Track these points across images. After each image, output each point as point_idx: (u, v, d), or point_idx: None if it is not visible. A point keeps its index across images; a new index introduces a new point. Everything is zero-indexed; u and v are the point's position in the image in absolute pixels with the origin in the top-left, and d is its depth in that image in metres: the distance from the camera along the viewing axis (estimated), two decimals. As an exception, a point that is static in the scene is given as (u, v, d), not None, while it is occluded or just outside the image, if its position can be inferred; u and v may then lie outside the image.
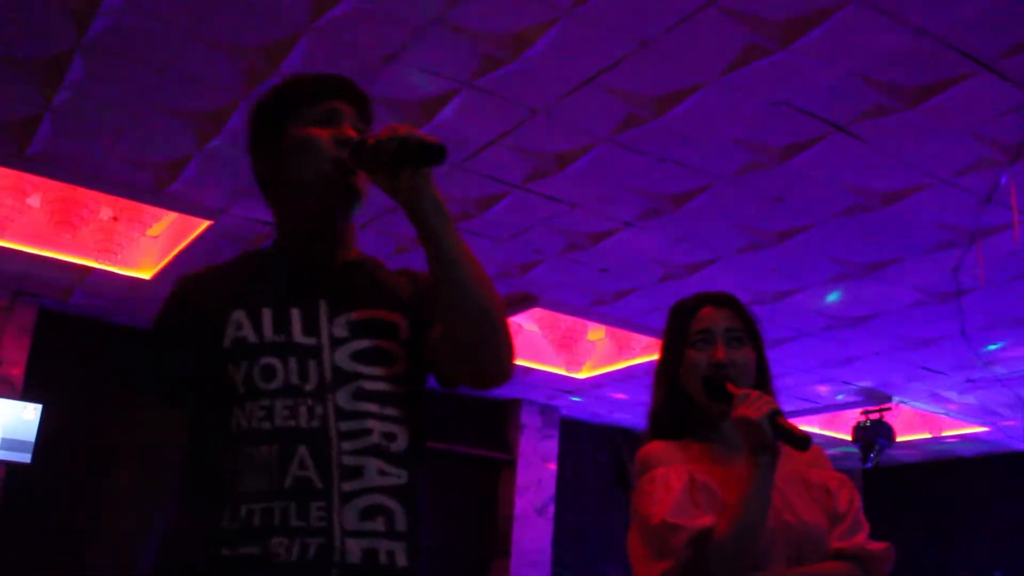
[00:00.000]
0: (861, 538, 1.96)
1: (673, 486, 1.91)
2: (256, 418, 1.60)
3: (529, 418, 8.66)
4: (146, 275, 6.10)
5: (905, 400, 7.64)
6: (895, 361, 6.75)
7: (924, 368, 6.85)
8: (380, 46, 3.64)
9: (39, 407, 6.48)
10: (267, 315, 1.67)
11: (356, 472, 1.60)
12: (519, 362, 6.93)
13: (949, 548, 9.23)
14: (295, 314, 1.68)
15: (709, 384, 2.00)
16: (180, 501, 1.70)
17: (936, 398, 7.59)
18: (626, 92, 3.84)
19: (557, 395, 8.33)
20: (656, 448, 2.02)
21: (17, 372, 6.61)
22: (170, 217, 5.67)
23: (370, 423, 1.64)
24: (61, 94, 4.09)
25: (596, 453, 9.03)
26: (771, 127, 4.00)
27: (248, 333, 1.66)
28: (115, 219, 5.70)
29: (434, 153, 1.59)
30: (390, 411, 1.67)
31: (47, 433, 6.47)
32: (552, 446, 8.77)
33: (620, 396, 8.13)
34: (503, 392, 8.27)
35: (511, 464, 8.58)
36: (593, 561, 8.67)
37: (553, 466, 8.74)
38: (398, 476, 1.64)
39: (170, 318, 1.73)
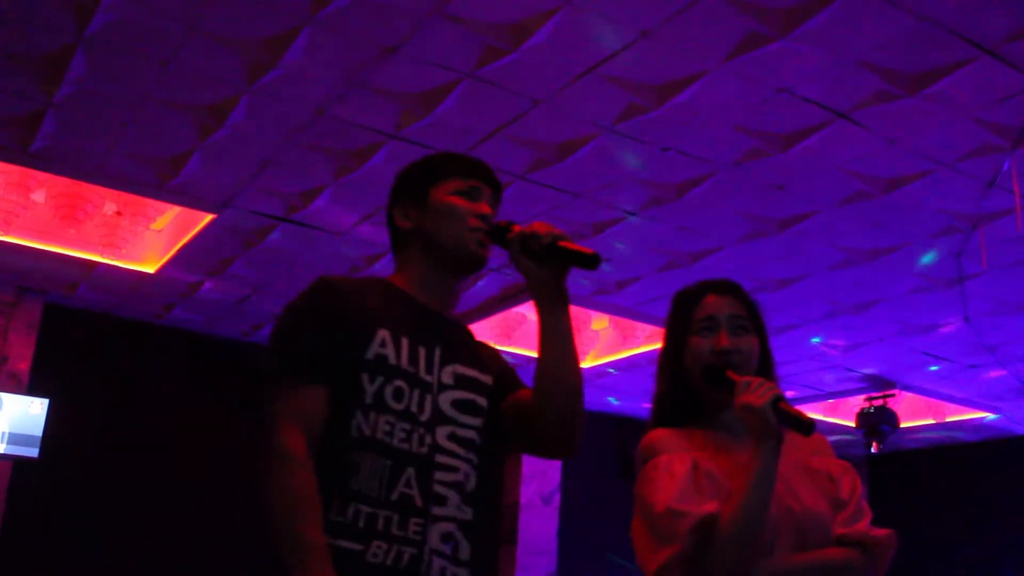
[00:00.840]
0: (864, 524, 1.97)
1: (677, 473, 1.92)
2: (381, 431, 1.82)
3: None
4: (150, 269, 6.11)
5: (909, 386, 7.65)
6: (898, 347, 6.76)
7: (927, 354, 6.85)
8: (381, 38, 3.65)
9: (46, 402, 6.50)
10: (405, 344, 1.90)
11: (443, 500, 1.86)
12: (523, 352, 6.91)
13: (954, 534, 9.24)
14: (422, 352, 1.92)
15: (710, 372, 2.01)
16: None
17: (940, 384, 7.60)
18: (627, 81, 3.84)
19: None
20: (659, 436, 2.03)
21: (23, 367, 6.64)
22: (173, 211, 5.68)
23: (457, 463, 1.89)
24: (63, 89, 4.10)
25: (600, 442, 9.05)
26: (773, 115, 4.00)
27: (390, 353, 1.87)
28: (119, 214, 5.71)
29: (589, 261, 1.82)
30: (471, 456, 1.93)
31: (54, 428, 6.50)
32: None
33: (624, 385, 8.14)
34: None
35: (516, 454, 8.60)
36: (599, 550, 8.69)
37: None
38: (466, 513, 1.90)
39: (319, 308, 1.89)
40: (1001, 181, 4.34)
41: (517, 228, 1.91)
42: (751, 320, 2.09)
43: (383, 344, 1.86)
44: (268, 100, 4.10)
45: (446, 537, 1.84)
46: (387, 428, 1.82)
